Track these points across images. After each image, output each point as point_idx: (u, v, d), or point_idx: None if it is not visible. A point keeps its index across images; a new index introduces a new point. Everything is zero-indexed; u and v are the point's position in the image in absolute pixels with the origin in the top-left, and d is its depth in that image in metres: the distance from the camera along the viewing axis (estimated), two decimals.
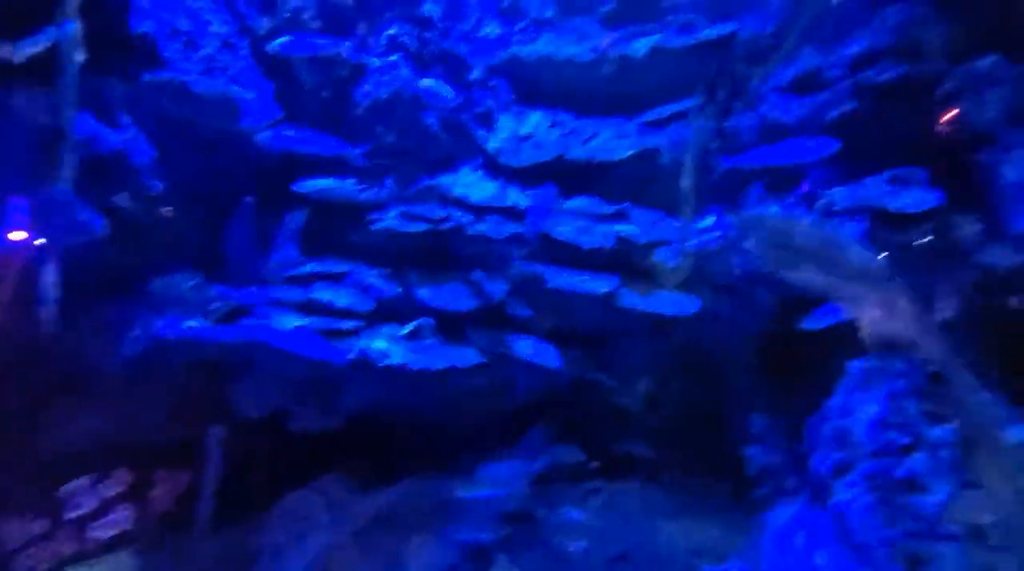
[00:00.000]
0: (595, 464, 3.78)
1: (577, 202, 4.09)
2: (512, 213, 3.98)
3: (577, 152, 4.24)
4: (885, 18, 2.85)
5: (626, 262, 3.74)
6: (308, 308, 3.45)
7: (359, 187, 3.89)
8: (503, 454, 3.66)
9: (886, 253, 2.46)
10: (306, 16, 3.99)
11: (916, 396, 2.28)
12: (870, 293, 2.14)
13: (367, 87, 4.13)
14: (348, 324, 3.38)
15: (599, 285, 3.59)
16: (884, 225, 2.70)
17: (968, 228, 2.53)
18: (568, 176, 4.16)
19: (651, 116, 4.25)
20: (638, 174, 4.06)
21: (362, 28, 4.20)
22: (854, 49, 3.04)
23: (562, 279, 3.66)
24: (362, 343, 3.35)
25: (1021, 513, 1.86)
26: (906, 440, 2.31)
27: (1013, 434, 1.94)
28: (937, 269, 2.46)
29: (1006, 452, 1.95)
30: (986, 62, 2.43)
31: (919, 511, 2.18)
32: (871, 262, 2.26)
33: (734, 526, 3.20)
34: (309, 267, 3.74)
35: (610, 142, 4.22)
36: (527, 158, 4.27)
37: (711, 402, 3.77)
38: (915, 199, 2.69)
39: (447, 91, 3.95)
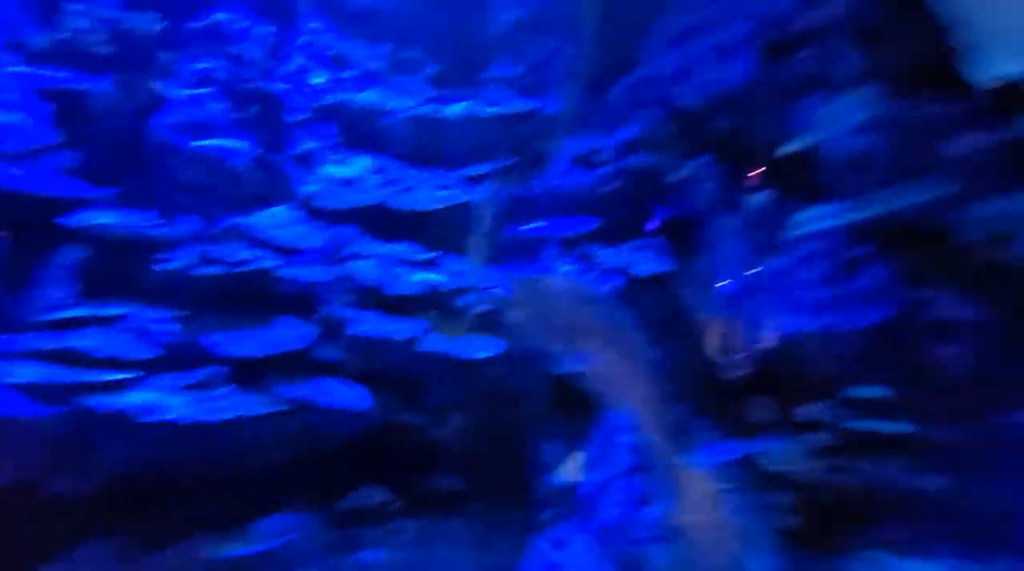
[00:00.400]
0: (400, 503, 3.79)
1: (393, 248, 4.20)
2: (323, 256, 3.96)
3: (397, 200, 4.39)
4: (639, 117, 3.49)
5: (434, 307, 3.89)
6: (62, 357, 3.06)
7: (150, 224, 3.61)
8: (300, 502, 3.51)
9: (629, 309, 2.93)
10: (94, 39, 3.70)
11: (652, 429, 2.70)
12: (599, 345, 2.52)
13: (169, 119, 3.92)
14: (113, 375, 3.05)
15: (403, 330, 3.69)
16: (633, 284, 3.24)
17: (690, 288, 3.12)
18: (388, 222, 4.27)
19: (469, 172, 4.58)
20: (451, 224, 4.29)
21: (164, 58, 4.00)
22: (620, 138, 3.65)
23: (368, 324, 3.70)
24: (132, 396, 3.04)
25: (707, 518, 2.34)
26: (640, 463, 2.72)
27: (693, 459, 2.44)
28: (667, 322, 2.97)
29: (693, 472, 2.43)
30: (701, 161, 3.08)
31: (647, 521, 2.59)
32: (608, 318, 2.67)
33: (525, 548, 3.41)
34: (79, 310, 3.35)
35: (427, 192, 4.43)
36: (348, 202, 4.32)
37: (513, 436, 4.02)
38: (653, 264, 3.28)
39: (239, 145, 3.87)
